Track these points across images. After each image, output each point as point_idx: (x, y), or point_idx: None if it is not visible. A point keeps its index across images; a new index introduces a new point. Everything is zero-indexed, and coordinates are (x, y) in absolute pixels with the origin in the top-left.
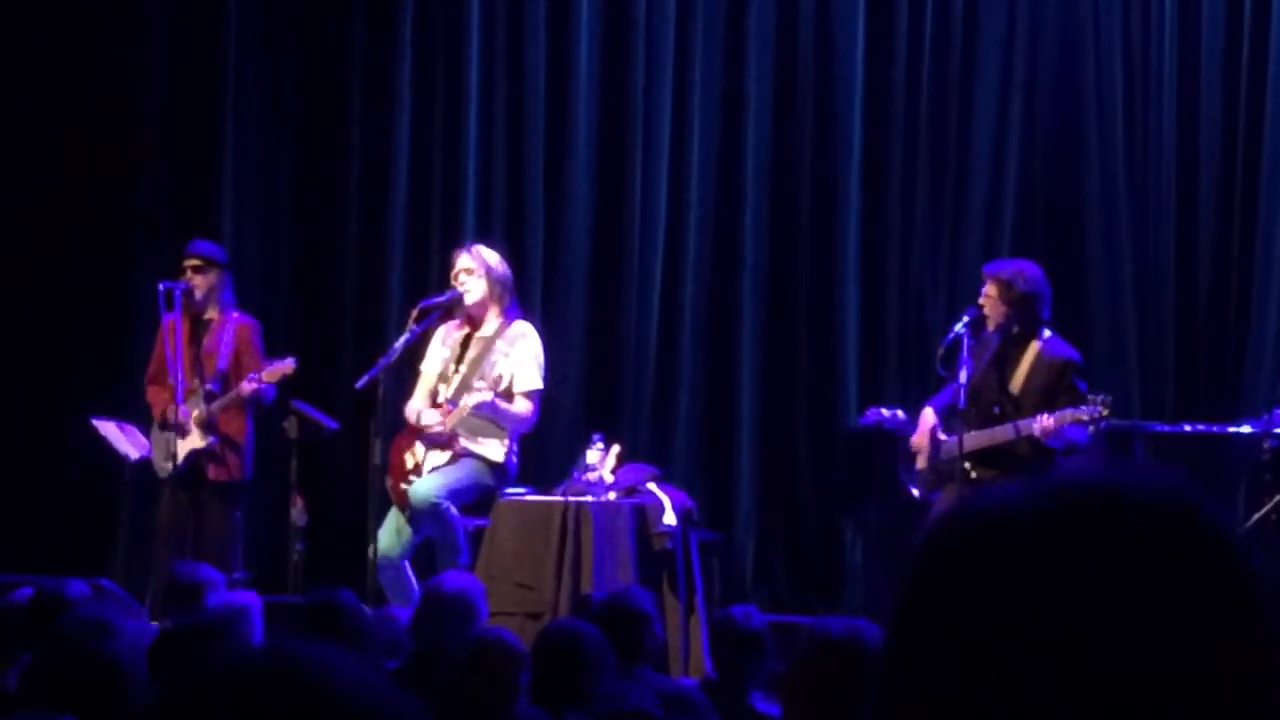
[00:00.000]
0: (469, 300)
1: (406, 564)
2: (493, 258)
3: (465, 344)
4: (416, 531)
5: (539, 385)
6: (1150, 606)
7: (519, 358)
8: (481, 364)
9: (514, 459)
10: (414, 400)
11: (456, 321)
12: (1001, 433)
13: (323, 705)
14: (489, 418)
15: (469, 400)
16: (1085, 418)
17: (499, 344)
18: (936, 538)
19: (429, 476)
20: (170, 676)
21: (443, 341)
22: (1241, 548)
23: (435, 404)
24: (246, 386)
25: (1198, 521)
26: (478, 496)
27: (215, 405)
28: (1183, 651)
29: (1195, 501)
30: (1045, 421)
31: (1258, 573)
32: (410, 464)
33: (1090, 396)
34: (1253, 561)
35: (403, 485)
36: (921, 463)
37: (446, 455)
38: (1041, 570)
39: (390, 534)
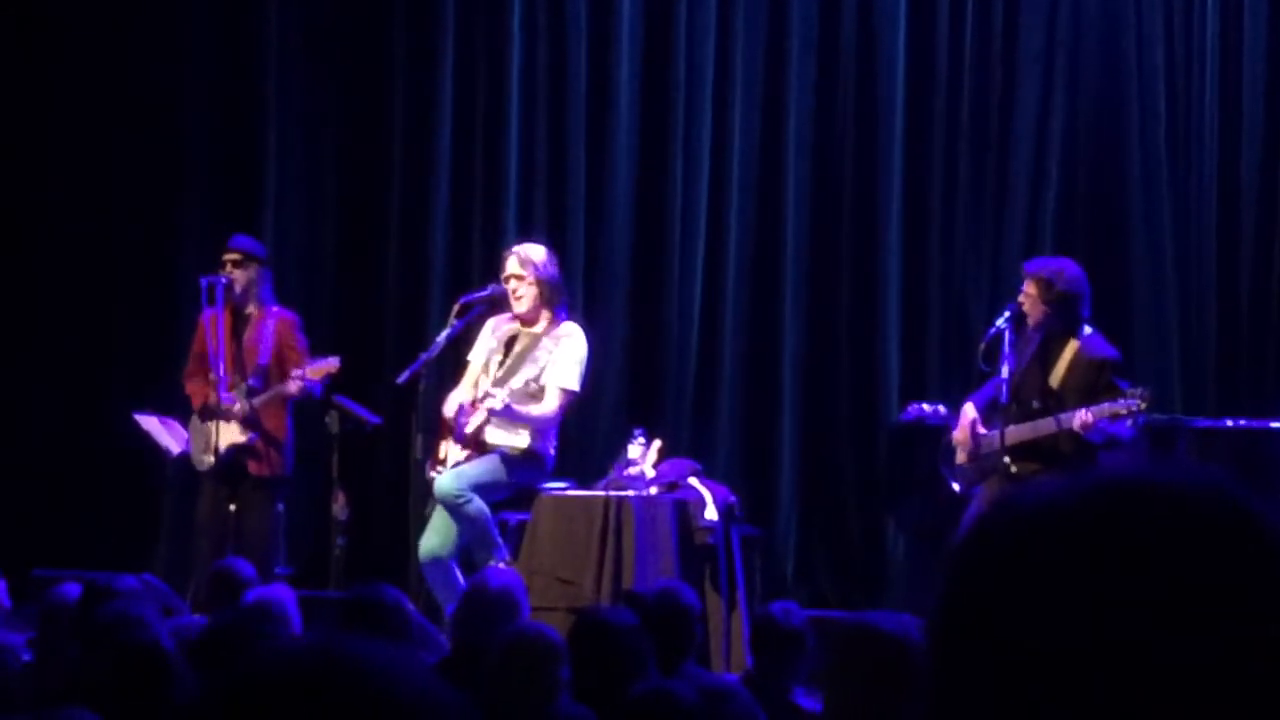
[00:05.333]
0: (522, 309)
1: (454, 563)
2: (539, 256)
3: (513, 338)
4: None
5: (574, 386)
6: (1193, 602)
7: (560, 355)
8: (525, 359)
9: (551, 448)
10: (458, 390)
11: (509, 314)
12: (1043, 425)
13: (371, 699)
14: (507, 420)
15: (498, 396)
16: (1123, 411)
17: (545, 341)
18: (975, 536)
19: (451, 472)
20: (213, 671)
21: (492, 332)
22: None
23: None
24: (292, 385)
25: (1240, 515)
26: (511, 490)
27: (257, 400)
28: (1227, 647)
29: (1237, 495)
30: (1084, 416)
31: None
32: (442, 454)
33: (1129, 390)
34: None
35: (431, 474)
36: (962, 457)
37: (465, 453)
38: (1080, 567)
39: (438, 533)
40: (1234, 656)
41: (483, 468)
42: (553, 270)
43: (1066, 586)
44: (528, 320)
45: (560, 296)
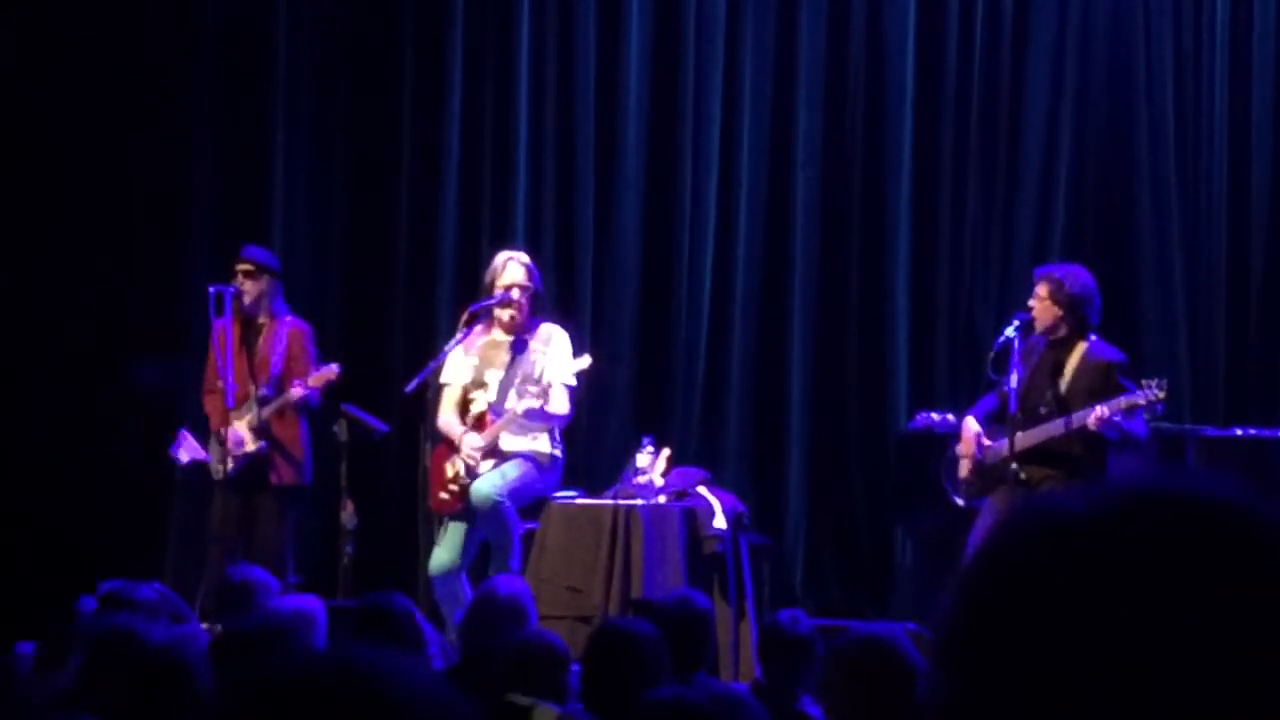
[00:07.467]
0: (520, 318)
1: (464, 577)
2: (528, 261)
3: (501, 350)
4: (475, 533)
5: (573, 382)
6: (1202, 611)
7: (555, 354)
8: (522, 364)
9: (561, 456)
10: (443, 413)
11: (480, 329)
12: (1053, 428)
13: (383, 706)
14: (530, 423)
15: (519, 406)
16: (1141, 401)
17: (533, 344)
18: (988, 549)
19: (489, 474)
20: (231, 680)
21: (465, 351)
22: None
23: (464, 411)
24: (295, 392)
25: (1250, 524)
26: (533, 497)
27: (266, 410)
28: (1245, 659)
29: (1247, 504)
30: (1100, 411)
31: None
32: (450, 473)
33: (1144, 382)
34: None
35: (442, 494)
36: (965, 471)
37: (491, 462)
38: (1090, 578)
39: (449, 549)
40: (1242, 664)
41: (517, 472)
42: (539, 278)
43: (1077, 596)
44: (511, 328)
45: (540, 302)
